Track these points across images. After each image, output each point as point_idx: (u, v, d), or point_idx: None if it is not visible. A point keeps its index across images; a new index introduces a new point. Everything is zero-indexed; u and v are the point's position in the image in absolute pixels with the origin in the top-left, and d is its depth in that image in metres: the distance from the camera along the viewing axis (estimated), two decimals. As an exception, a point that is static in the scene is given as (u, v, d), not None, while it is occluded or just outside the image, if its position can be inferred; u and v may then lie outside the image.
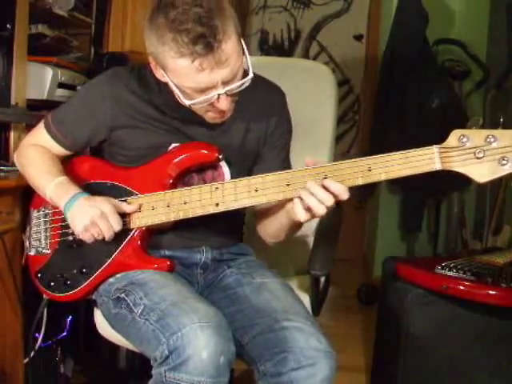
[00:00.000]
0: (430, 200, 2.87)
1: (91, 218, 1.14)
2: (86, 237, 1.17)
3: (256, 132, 1.29)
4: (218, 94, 1.09)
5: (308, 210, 1.05)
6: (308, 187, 1.04)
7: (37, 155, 1.29)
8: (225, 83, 1.08)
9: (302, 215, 1.06)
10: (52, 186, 1.21)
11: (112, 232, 1.16)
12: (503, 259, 1.71)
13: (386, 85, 2.78)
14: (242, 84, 1.11)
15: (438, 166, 1.00)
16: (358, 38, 3.74)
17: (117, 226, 1.16)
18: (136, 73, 1.26)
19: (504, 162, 0.96)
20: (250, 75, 1.11)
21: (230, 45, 1.05)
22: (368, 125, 3.51)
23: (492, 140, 0.97)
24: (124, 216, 1.20)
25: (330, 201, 1.03)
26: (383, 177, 1.03)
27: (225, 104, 1.12)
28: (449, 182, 2.58)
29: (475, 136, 0.98)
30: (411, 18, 2.62)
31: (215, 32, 1.02)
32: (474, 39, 2.76)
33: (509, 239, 2.28)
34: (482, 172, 0.98)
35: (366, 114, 3.66)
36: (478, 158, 0.98)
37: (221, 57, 1.04)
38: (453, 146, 0.99)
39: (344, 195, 1.04)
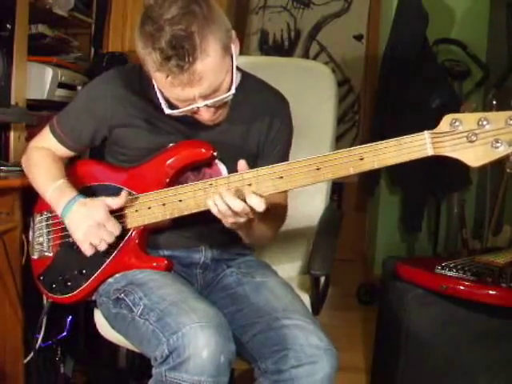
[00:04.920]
0: (430, 200, 2.87)
1: (88, 230, 1.16)
2: (87, 248, 1.18)
3: (256, 135, 1.29)
4: (198, 107, 1.09)
5: (220, 213, 1.07)
6: (220, 192, 1.06)
7: (39, 158, 1.30)
8: (203, 97, 1.08)
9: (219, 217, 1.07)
10: (51, 191, 1.22)
11: (113, 237, 1.18)
12: (503, 259, 1.71)
13: (385, 85, 2.78)
14: (224, 98, 1.11)
15: (429, 152, 0.97)
16: (358, 38, 3.74)
17: (116, 230, 1.17)
18: (137, 72, 1.26)
19: (498, 144, 0.92)
20: (232, 91, 1.11)
21: (206, 63, 1.04)
22: (368, 125, 3.51)
23: (485, 123, 0.93)
24: (121, 217, 1.20)
25: (239, 207, 1.04)
26: (376, 165, 1.01)
27: (206, 115, 1.13)
28: (449, 181, 2.59)
29: (467, 119, 0.95)
30: (411, 18, 2.61)
31: (186, 54, 1.01)
32: (473, 39, 2.76)
33: (509, 239, 2.27)
34: (474, 156, 0.94)
35: (366, 114, 3.66)
36: (470, 141, 0.94)
37: (192, 76, 1.03)
38: (445, 131, 0.96)
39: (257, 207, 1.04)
